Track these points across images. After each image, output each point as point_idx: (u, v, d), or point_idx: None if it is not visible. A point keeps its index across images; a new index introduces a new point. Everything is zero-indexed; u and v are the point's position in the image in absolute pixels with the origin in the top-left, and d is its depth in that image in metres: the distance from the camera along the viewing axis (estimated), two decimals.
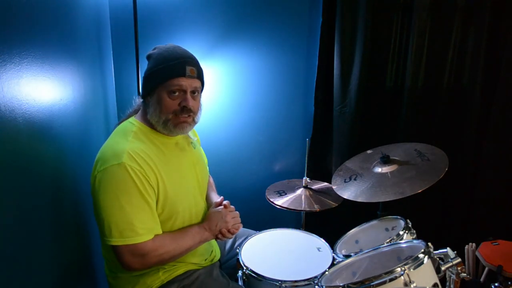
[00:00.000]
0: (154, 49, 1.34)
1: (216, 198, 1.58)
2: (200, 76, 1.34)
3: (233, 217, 1.41)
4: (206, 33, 2.14)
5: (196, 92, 1.34)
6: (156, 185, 1.25)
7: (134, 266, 1.23)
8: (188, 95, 1.29)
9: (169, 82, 1.26)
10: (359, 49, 2.04)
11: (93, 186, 1.22)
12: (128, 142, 1.25)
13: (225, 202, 1.45)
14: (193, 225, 1.38)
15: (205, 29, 2.13)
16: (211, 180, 1.69)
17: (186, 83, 1.28)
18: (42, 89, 1.20)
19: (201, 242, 1.36)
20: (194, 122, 1.35)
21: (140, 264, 1.23)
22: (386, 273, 1.12)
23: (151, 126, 1.34)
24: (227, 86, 2.21)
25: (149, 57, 1.33)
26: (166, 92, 1.27)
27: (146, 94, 1.32)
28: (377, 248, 1.40)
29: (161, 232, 1.28)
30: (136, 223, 1.18)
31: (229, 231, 1.39)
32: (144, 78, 1.32)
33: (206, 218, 1.41)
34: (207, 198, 1.59)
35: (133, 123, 1.34)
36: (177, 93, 1.28)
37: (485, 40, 1.93)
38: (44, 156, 1.22)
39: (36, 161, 1.16)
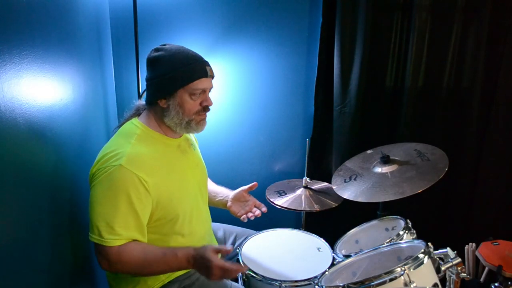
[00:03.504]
0: (157, 51, 1.30)
1: (221, 187, 1.66)
2: (214, 74, 1.37)
3: (221, 275, 1.18)
4: (206, 33, 2.14)
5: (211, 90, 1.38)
6: (154, 190, 1.24)
7: (103, 266, 1.22)
8: (208, 95, 1.34)
9: (192, 84, 1.27)
10: (359, 49, 2.04)
11: (89, 180, 1.25)
12: (130, 144, 1.25)
13: (228, 248, 1.24)
14: (180, 249, 1.23)
15: (205, 29, 2.13)
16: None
17: (208, 83, 1.32)
18: (42, 89, 1.20)
19: (179, 269, 1.32)
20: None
21: (107, 266, 1.22)
22: (386, 273, 1.12)
23: (156, 128, 1.34)
24: (226, 86, 2.21)
25: (156, 60, 1.29)
26: (188, 94, 1.28)
27: (162, 97, 1.29)
28: (377, 248, 1.40)
29: (143, 240, 1.24)
30: (116, 228, 1.17)
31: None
32: (158, 82, 1.28)
33: (199, 252, 1.19)
34: (212, 190, 1.64)
35: (137, 125, 1.33)
36: (198, 94, 1.30)
37: (485, 40, 1.93)
38: (44, 156, 1.22)
39: (36, 161, 1.16)
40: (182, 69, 1.26)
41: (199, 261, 1.19)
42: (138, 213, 1.20)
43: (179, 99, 1.28)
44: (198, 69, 1.28)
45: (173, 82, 1.27)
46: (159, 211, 1.27)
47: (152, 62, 1.31)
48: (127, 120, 1.39)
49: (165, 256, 1.22)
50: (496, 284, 1.48)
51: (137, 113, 1.42)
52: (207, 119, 1.38)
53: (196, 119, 1.32)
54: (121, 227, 1.18)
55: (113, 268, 1.23)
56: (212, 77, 1.34)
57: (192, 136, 1.56)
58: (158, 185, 1.25)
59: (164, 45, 1.32)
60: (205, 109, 1.33)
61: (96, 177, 1.21)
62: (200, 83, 1.28)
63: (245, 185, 1.62)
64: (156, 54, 1.30)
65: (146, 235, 1.26)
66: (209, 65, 1.33)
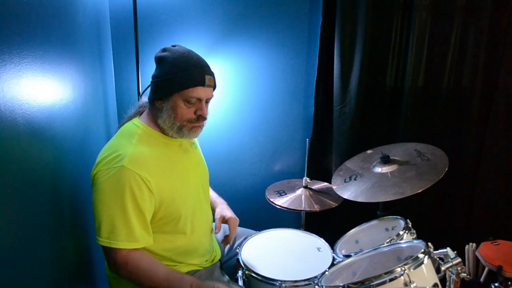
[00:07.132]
0: (164, 51, 1.30)
1: (217, 199, 1.62)
2: (215, 85, 1.35)
3: None
4: (206, 33, 2.14)
5: (210, 100, 1.35)
6: (157, 189, 1.24)
7: (111, 268, 1.23)
8: (204, 104, 1.30)
9: (187, 91, 1.25)
10: (359, 49, 2.04)
11: (92, 182, 1.24)
12: (132, 145, 1.25)
13: None
14: (183, 275, 1.25)
15: (205, 30, 2.13)
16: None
17: (204, 93, 1.28)
18: (42, 89, 1.20)
19: None
20: (203, 125, 1.37)
21: (114, 269, 1.22)
22: (386, 273, 1.12)
23: (157, 128, 1.33)
24: (227, 87, 2.21)
25: (160, 60, 1.29)
26: (183, 100, 1.26)
27: (158, 98, 1.29)
28: (377, 248, 1.40)
29: (149, 243, 1.24)
30: (124, 230, 1.17)
31: None
32: (157, 82, 1.29)
33: (205, 283, 1.23)
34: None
35: (138, 125, 1.33)
36: (193, 102, 1.28)
37: (485, 40, 1.93)
38: (44, 156, 1.22)
39: (36, 161, 1.16)
40: (180, 74, 1.24)
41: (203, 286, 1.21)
42: (144, 213, 1.21)
43: (173, 103, 1.26)
44: (196, 76, 1.25)
45: (169, 86, 1.26)
46: (162, 210, 1.27)
47: (157, 61, 1.31)
48: (130, 118, 1.39)
49: (170, 274, 1.23)
50: (496, 284, 1.49)
51: (139, 111, 1.41)
52: (205, 124, 1.37)
53: (188, 126, 1.30)
54: (129, 229, 1.18)
55: (119, 271, 1.22)
56: (213, 87, 1.32)
57: None
58: (160, 185, 1.25)
59: (174, 46, 1.32)
60: (199, 118, 1.31)
61: (98, 179, 1.20)
62: (196, 91, 1.26)
63: (245, 185, 1.62)
64: (162, 54, 1.30)
65: (151, 234, 1.26)
66: (210, 75, 1.30)
